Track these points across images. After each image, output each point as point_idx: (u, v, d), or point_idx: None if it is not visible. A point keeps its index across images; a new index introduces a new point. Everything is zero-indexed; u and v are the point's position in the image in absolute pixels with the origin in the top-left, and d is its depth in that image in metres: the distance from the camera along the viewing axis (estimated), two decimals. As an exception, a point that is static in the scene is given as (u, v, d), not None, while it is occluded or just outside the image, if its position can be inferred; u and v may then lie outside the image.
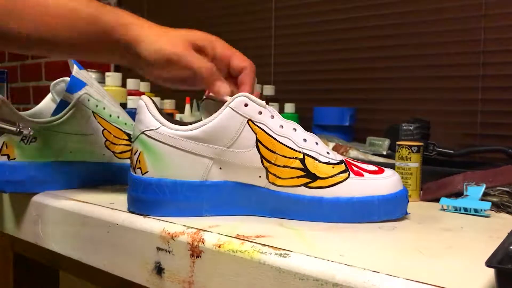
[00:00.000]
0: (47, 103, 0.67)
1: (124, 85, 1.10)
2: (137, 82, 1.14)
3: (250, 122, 0.48)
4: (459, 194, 0.57)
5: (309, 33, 1.39)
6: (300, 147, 0.49)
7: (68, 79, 0.63)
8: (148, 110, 0.49)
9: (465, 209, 0.54)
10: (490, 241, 0.43)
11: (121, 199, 0.56)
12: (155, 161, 0.49)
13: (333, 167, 0.49)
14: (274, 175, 0.48)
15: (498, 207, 0.55)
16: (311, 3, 1.38)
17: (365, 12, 1.27)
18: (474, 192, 0.56)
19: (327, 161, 0.49)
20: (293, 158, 0.48)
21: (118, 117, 0.66)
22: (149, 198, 0.49)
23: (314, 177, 0.48)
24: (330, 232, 0.44)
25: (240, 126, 0.47)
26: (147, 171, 0.49)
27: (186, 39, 0.52)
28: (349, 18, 1.30)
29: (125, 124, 0.66)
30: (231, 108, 0.47)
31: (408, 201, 0.51)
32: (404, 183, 0.61)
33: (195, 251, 0.42)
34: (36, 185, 0.60)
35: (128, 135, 0.66)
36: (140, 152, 0.49)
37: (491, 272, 0.30)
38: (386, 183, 0.49)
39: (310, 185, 0.48)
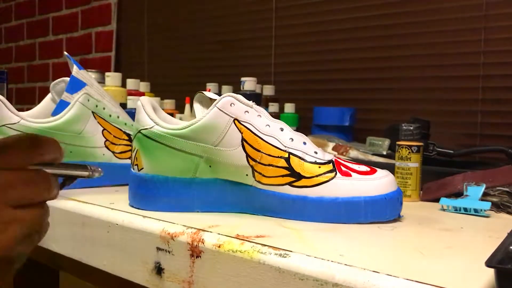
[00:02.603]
0: (47, 103, 0.67)
1: (124, 85, 1.10)
2: (137, 82, 1.14)
3: (236, 121, 0.49)
4: (459, 194, 0.57)
5: (309, 33, 1.39)
6: (286, 146, 0.49)
7: (68, 79, 0.63)
8: (144, 110, 0.51)
9: (465, 209, 0.54)
10: (490, 241, 0.43)
11: (121, 199, 0.56)
12: (149, 158, 0.51)
13: (320, 167, 0.49)
14: (260, 173, 0.49)
15: (498, 207, 0.55)
16: (311, 3, 1.38)
17: (365, 13, 1.27)
18: (474, 192, 0.56)
19: (314, 161, 0.49)
20: (278, 157, 0.49)
21: (118, 117, 0.66)
22: (144, 193, 0.52)
23: (298, 176, 0.49)
24: (330, 232, 0.44)
25: (226, 125, 0.49)
26: (143, 168, 0.52)
27: None
28: (349, 19, 1.30)
29: (125, 124, 0.66)
30: (218, 108, 0.49)
31: (401, 203, 0.50)
32: (404, 183, 0.61)
33: (195, 251, 0.42)
34: (36, 185, 0.60)
35: (128, 135, 0.66)
36: (137, 150, 0.52)
37: (491, 272, 0.30)
38: (376, 184, 0.48)
39: (295, 184, 0.49)
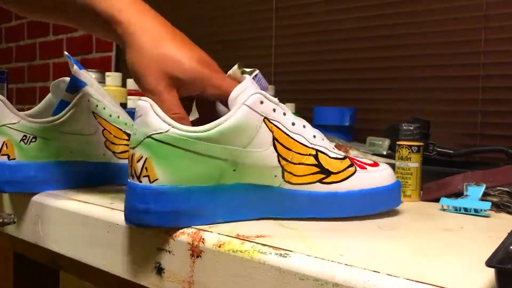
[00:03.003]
0: (47, 103, 0.67)
1: (124, 85, 1.10)
2: (137, 82, 1.14)
3: (266, 120, 0.46)
4: (459, 194, 0.57)
5: (309, 33, 1.39)
6: (311, 144, 0.49)
7: (68, 79, 0.63)
8: (154, 111, 0.44)
9: (465, 209, 0.54)
10: (490, 241, 0.43)
11: (121, 199, 0.56)
12: (166, 167, 0.43)
13: (341, 162, 0.50)
14: (290, 173, 0.47)
15: (498, 207, 0.55)
16: (311, 3, 1.38)
17: (365, 13, 1.27)
18: (474, 192, 0.56)
19: (335, 156, 0.50)
20: (307, 154, 0.48)
21: (118, 117, 0.66)
22: (161, 209, 0.44)
23: (328, 173, 0.49)
24: (330, 232, 0.44)
25: (257, 125, 0.45)
26: (157, 179, 0.43)
27: (165, 73, 0.46)
28: (349, 19, 1.30)
29: (125, 124, 0.66)
30: (247, 106, 0.45)
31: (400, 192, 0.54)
32: (404, 183, 0.61)
33: (195, 251, 0.42)
34: (36, 185, 0.60)
35: (128, 135, 0.66)
36: (146, 159, 0.44)
37: (491, 272, 0.30)
38: (386, 174, 0.52)
39: (325, 180, 0.48)
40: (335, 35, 1.33)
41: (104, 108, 0.64)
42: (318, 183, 0.48)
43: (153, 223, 0.44)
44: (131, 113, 1.01)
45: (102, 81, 1.06)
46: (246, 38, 1.54)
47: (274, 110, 0.47)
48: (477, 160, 0.94)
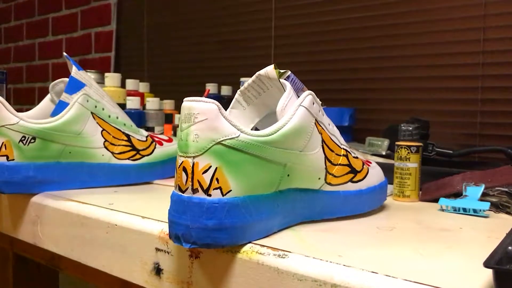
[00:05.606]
0: (46, 104, 0.67)
1: (123, 85, 1.10)
2: (136, 82, 1.14)
3: (316, 121, 0.45)
4: (458, 195, 0.57)
5: (309, 33, 1.39)
6: (341, 144, 0.49)
7: (67, 79, 0.63)
8: (223, 115, 0.39)
9: (464, 210, 0.54)
10: (488, 241, 0.43)
11: (120, 200, 0.56)
12: (239, 175, 0.39)
13: (359, 160, 0.51)
14: (332, 174, 0.47)
15: (497, 207, 0.55)
16: (311, 3, 1.38)
17: (365, 13, 1.27)
18: (473, 192, 0.56)
19: (355, 155, 0.51)
20: (341, 155, 0.48)
21: (117, 117, 0.66)
22: (234, 224, 0.39)
23: (355, 172, 0.50)
24: (329, 232, 0.44)
25: (312, 127, 0.44)
26: (230, 190, 0.39)
27: None
28: (349, 19, 1.30)
29: (124, 124, 0.66)
30: (304, 107, 0.43)
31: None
32: (403, 184, 0.61)
33: (194, 252, 0.42)
34: (35, 185, 0.60)
35: (127, 135, 0.66)
36: (216, 168, 0.38)
37: (489, 272, 0.30)
38: (380, 169, 0.55)
39: (354, 179, 0.49)
40: (334, 35, 1.33)
41: (103, 109, 0.64)
42: (349, 183, 0.49)
43: (224, 242, 0.39)
44: (130, 114, 1.01)
45: (101, 81, 1.06)
46: (246, 38, 1.54)
47: (319, 111, 0.46)
48: (477, 160, 0.94)
